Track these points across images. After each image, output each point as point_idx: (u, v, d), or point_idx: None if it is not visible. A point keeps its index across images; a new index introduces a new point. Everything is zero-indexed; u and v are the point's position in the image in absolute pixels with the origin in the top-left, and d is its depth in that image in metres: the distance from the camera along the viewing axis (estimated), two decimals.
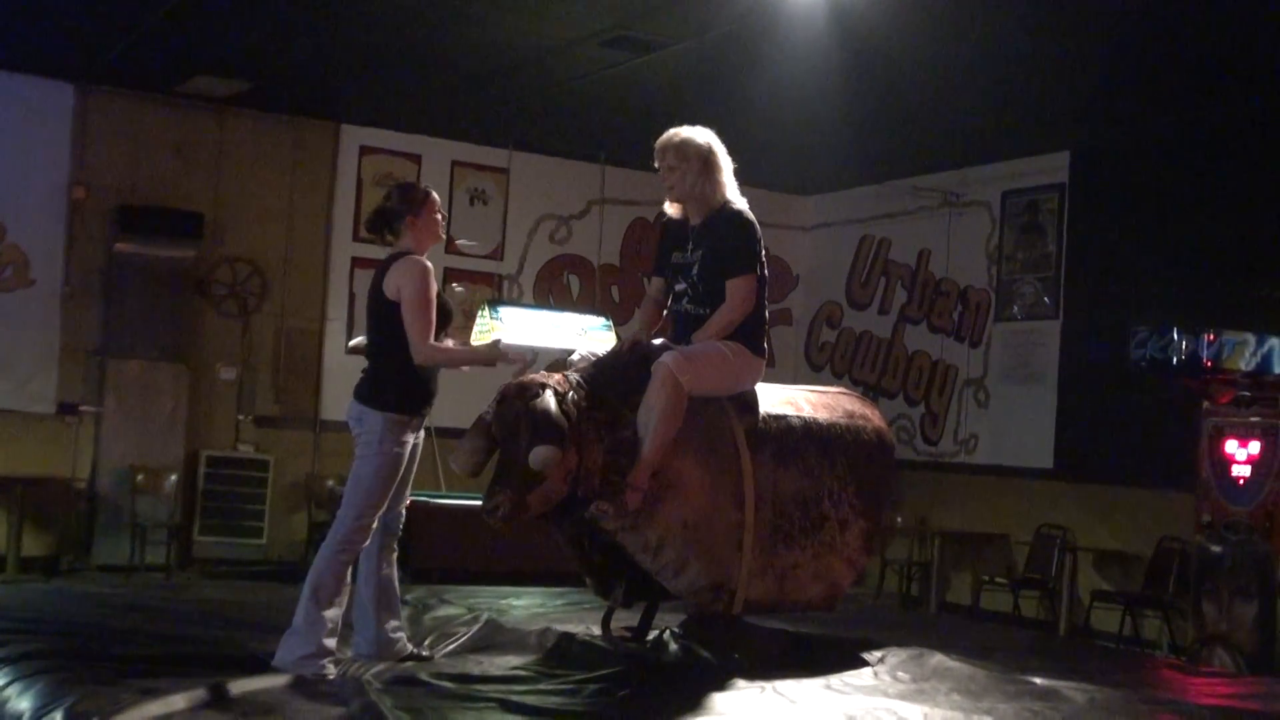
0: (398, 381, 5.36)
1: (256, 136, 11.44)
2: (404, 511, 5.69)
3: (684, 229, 5.83)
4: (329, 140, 11.67)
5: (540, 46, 9.07)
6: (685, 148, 5.69)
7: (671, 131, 5.79)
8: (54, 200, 10.71)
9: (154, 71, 10.40)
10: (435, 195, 5.64)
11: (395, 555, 5.71)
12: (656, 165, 5.80)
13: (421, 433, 5.53)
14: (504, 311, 9.70)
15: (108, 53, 9.85)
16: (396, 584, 5.69)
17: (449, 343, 5.71)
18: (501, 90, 10.23)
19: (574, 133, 11.60)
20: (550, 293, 12.49)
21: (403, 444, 5.33)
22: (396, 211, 5.51)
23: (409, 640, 5.69)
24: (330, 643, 5.21)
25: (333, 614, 5.23)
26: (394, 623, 5.61)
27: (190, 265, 11.00)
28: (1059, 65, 8.83)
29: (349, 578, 5.39)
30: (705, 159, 5.68)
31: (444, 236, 5.82)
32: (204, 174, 11.23)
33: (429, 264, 5.42)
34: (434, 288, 5.39)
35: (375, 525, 5.42)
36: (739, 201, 5.75)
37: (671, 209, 5.92)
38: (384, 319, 5.39)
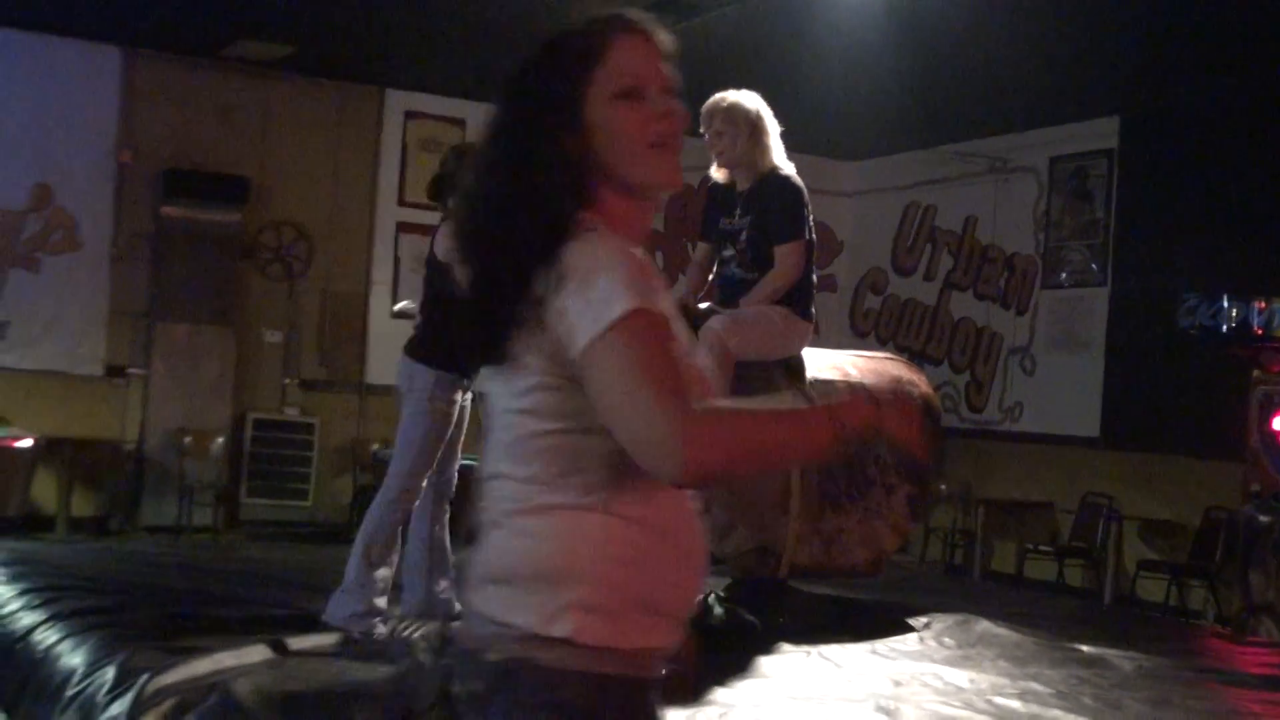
0: (444, 341, 5.37)
1: (301, 101, 11.45)
2: (455, 476, 5.71)
3: (730, 194, 5.81)
4: (373, 105, 11.67)
5: (585, 10, 9.01)
6: (734, 112, 5.66)
7: (719, 96, 5.75)
8: (101, 164, 10.76)
9: (199, 35, 10.41)
10: None
11: (447, 517, 5.73)
12: (703, 130, 5.77)
13: (469, 395, 5.54)
14: None
15: (154, 16, 9.87)
16: (448, 545, 5.71)
17: None
18: None
19: None
20: None
21: (451, 402, 5.35)
22: (456, 175, 5.52)
23: (458, 601, 5.72)
24: (381, 602, 5.24)
25: (383, 574, 5.26)
26: (444, 583, 5.64)
27: (236, 229, 11.03)
28: (1109, 28, 8.73)
29: (399, 538, 5.42)
30: (754, 124, 5.65)
31: None
32: (249, 138, 11.25)
33: None
34: None
35: (425, 487, 5.44)
36: (787, 167, 5.73)
37: (717, 174, 5.90)
38: (435, 279, 5.40)
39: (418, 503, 5.50)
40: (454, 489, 5.73)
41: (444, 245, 5.36)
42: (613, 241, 2.06)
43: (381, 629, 5.17)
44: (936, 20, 8.63)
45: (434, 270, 5.43)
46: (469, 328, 2.12)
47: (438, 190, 5.61)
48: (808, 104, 10.32)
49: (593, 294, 1.96)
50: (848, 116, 11.41)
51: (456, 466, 5.71)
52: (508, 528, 2.04)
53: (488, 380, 2.12)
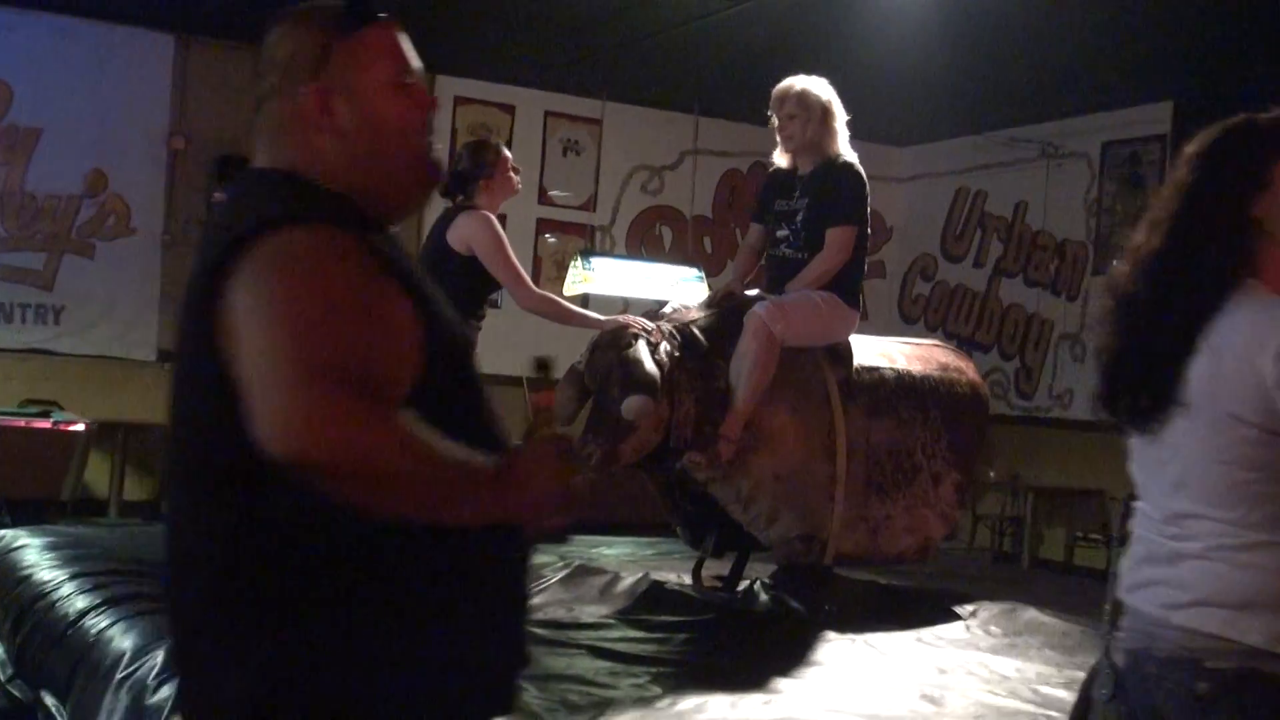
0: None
1: None
2: None
3: (791, 178, 5.82)
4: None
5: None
6: (806, 97, 5.68)
7: (790, 80, 5.78)
8: (154, 150, 10.85)
9: (253, 21, 10.41)
10: (506, 151, 5.62)
11: None
12: (772, 114, 5.78)
13: None
14: (596, 262, 9.71)
15: (208, 3, 9.94)
16: None
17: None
18: (595, 40, 10.20)
19: (668, 83, 11.54)
20: (642, 244, 12.47)
21: None
22: (470, 174, 5.50)
23: None
24: None
25: None
26: None
27: None
28: (1162, 10, 8.64)
29: None
30: (825, 109, 5.68)
31: (519, 188, 5.79)
32: None
33: (490, 214, 5.41)
34: (503, 234, 5.39)
35: None
36: (851, 155, 5.74)
37: (782, 159, 5.90)
38: (445, 269, 5.37)
39: None
40: None
41: (461, 238, 5.33)
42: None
43: None
44: (988, 3, 8.57)
45: (445, 258, 5.38)
46: (1126, 380, 2.52)
47: (454, 186, 5.58)
48: (859, 88, 10.22)
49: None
50: (899, 101, 11.35)
51: None
52: (1219, 560, 2.33)
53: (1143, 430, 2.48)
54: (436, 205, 5.73)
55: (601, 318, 5.52)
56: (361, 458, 1.69)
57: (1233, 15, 8.64)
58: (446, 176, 5.70)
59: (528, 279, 5.44)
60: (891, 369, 5.98)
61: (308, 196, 1.92)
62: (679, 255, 12.21)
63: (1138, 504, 2.62)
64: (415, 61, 2.10)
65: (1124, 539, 2.61)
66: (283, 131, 2.03)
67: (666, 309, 5.79)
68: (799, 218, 5.70)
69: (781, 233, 5.77)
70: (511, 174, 5.57)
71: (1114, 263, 2.57)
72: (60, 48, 10.51)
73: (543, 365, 2.27)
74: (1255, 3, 8.36)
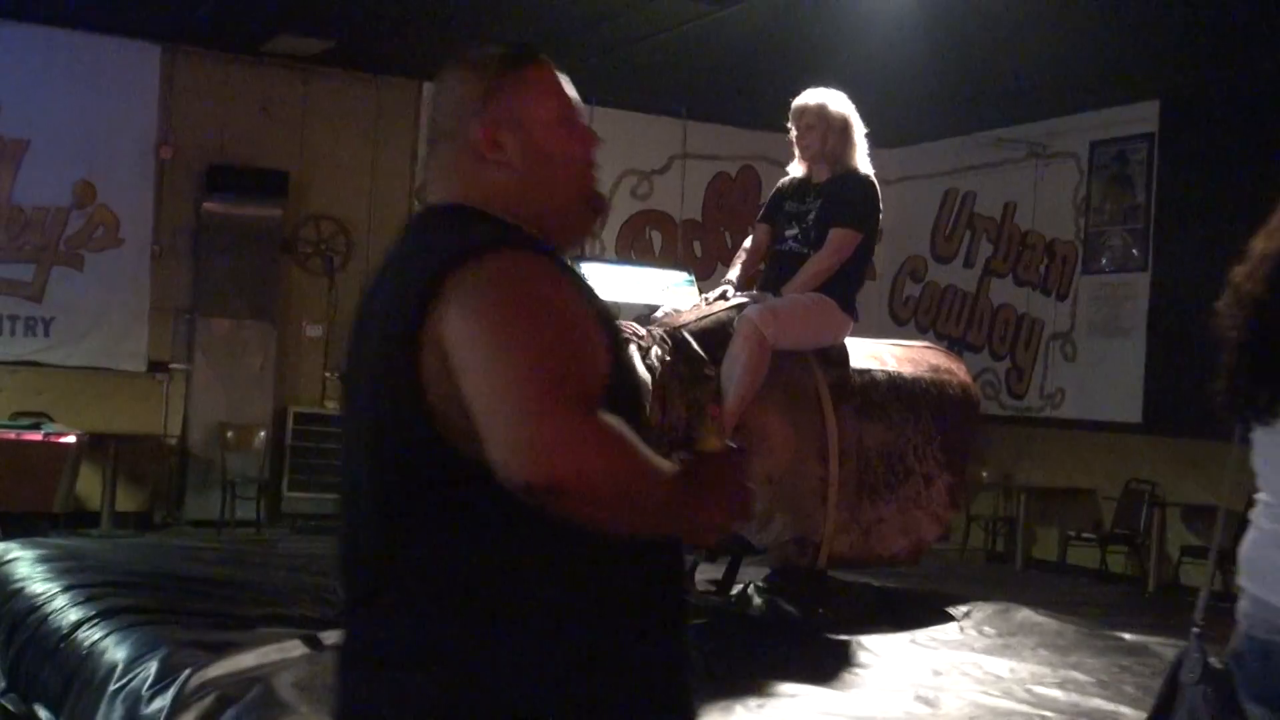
0: None
1: (340, 95, 11.50)
2: None
3: (804, 185, 5.84)
4: (412, 98, 11.70)
5: (622, 0, 9.03)
6: (826, 110, 5.73)
7: (811, 91, 5.83)
8: (142, 161, 10.84)
9: (238, 31, 10.47)
10: None
11: None
12: (792, 124, 5.81)
13: None
14: (586, 268, 9.71)
15: (193, 13, 9.93)
16: None
17: None
18: (583, 45, 10.21)
19: (656, 87, 11.55)
20: (632, 248, 12.47)
21: None
22: None
23: None
24: None
25: None
26: None
27: (277, 224, 11.10)
28: (1147, 9, 8.66)
29: None
30: (846, 122, 5.73)
31: None
32: (289, 133, 11.31)
33: None
34: None
35: None
36: (868, 169, 5.78)
37: (798, 168, 5.91)
38: None
39: None
40: None
41: None
42: None
43: None
44: (974, 4, 8.59)
45: None
46: (1248, 375, 2.60)
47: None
48: (847, 91, 10.23)
49: None
50: (886, 103, 11.32)
51: None
52: None
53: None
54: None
55: None
56: (608, 477, 1.73)
57: (1215, 14, 8.66)
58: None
59: None
60: (882, 371, 5.98)
61: (498, 226, 1.97)
62: (669, 259, 12.21)
63: (1259, 495, 2.66)
64: (577, 98, 2.15)
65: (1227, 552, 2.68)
66: (456, 169, 2.07)
67: (657, 314, 5.79)
68: (810, 217, 5.73)
69: (790, 231, 5.79)
70: None
71: (1235, 266, 2.67)
72: (47, 59, 10.51)
73: (708, 376, 2.35)
74: (1238, 2, 8.38)
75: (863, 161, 5.76)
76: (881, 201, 5.77)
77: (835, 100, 5.75)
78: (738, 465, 1.92)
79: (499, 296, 1.80)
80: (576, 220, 2.12)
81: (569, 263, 1.99)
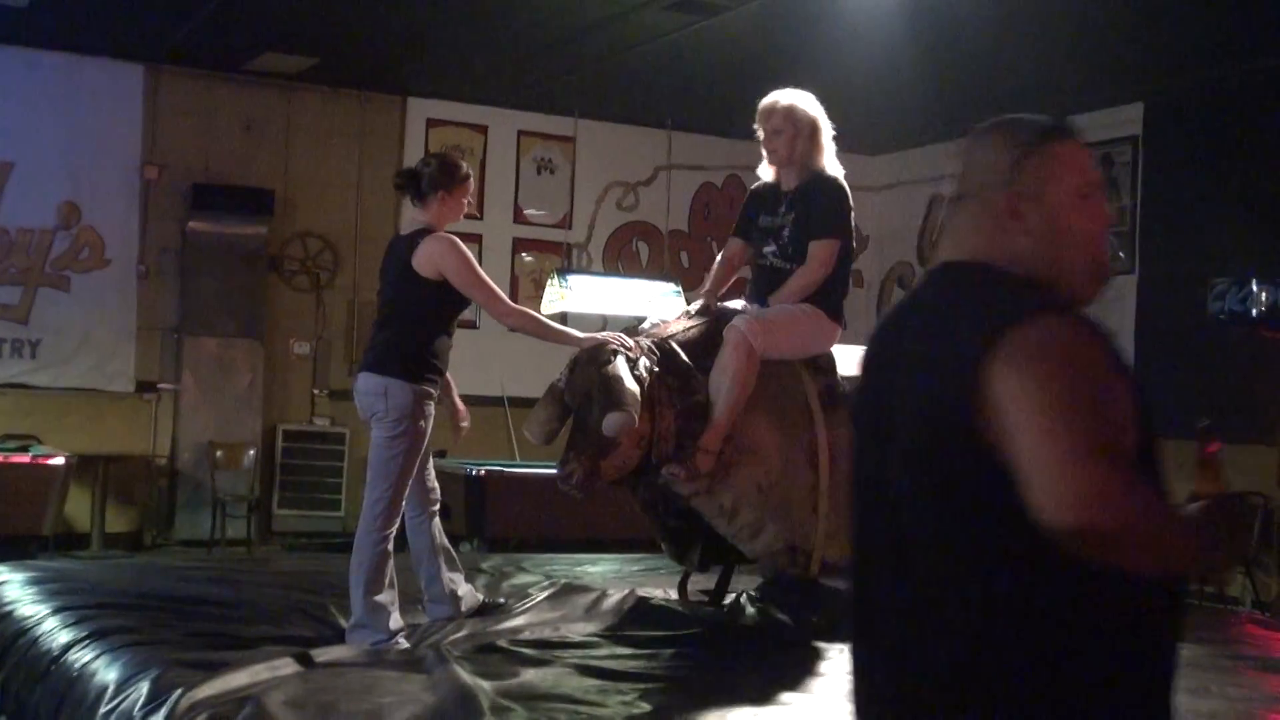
0: (422, 355, 5.32)
1: (324, 112, 11.51)
2: (435, 483, 5.72)
3: (775, 192, 5.80)
4: (396, 114, 11.71)
5: (604, 12, 9.04)
6: (795, 112, 5.66)
7: (777, 94, 5.75)
8: (127, 181, 10.84)
9: (222, 50, 10.47)
10: (471, 180, 5.60)
11: (438, 521, 5.73)
12: (759, 127, 5.75)
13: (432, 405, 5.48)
14: (573, 280, 9.71)
15: (176, 33, 9.93)
16: (449, 546, 5.74)
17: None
18: (566, 58, 10.22)
19: (640, 99, 11.56)
20: (619, 260, 12.48)
21: (428, 417, 5.29)
22: (433, 180, 5.45)
23: (477, 592, 5.80)
24: (395, 623, 5.22)
25: (388, 596, 5.23)
26: (458, 576, 5.68)
27: (263, 242, 11.09)
28: (1131, 12, 8.69)
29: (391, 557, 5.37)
30: (814, 125, 5.67)
31: (461, 217, 5.75)
32: (274, 151, 11.31)
33: (453, 236, 5.38)
34: (471, 254, 5.36)
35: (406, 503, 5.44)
36: (837, 170, 5.73)
37: (766, 172, 5.88)
38: (413, 294, 5.33)
39: (410, 519, 5.52)
40: (437, 495, 5.72)
41: (429, 263, 5.26)
42: None
43: (405, 642, 5.16)
44: (957, 10, 8.60)
45: (409, 281, 5.34)
46: None
47: (409, 183, 5.50)
48: (830, 99, 10.19)
49: None
50: (870, 111, 11.38)
51: (433, 473, 5.71)
52: None
53: None
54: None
55: (581, 335, 5.49)
56: (1137, 523, 1.90)
57: (1197, 16, 8.68)
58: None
59: (503, 295, 5.42)
60: None
61: (1035, 289, 2.13)
62: (656, 270, 12.22)
63: None
64: (1096, 175, 2.31)
65: None
66: (979, 229, 2.22)
67: (645, 324, 5.78)
68: (786, 233, 5.69)
69: (768, 248, 5.76)
70: (466, 201, 5.54)
71: None
72: (30, 81, 10.50)
73: (1208, 430, 2.48)
74: (1221, 4, 8.41)
75: (830, 163, 5.72)
76: (851, 199, 5.72)
77: (803, 101, 5.70)
78: (1237, 508, 2.10)
79: (1046, 357, 1.96)
80: (1085, 286, 2.23)
81: (1098, 324, 2.11)
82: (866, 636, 2.21)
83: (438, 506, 5.73)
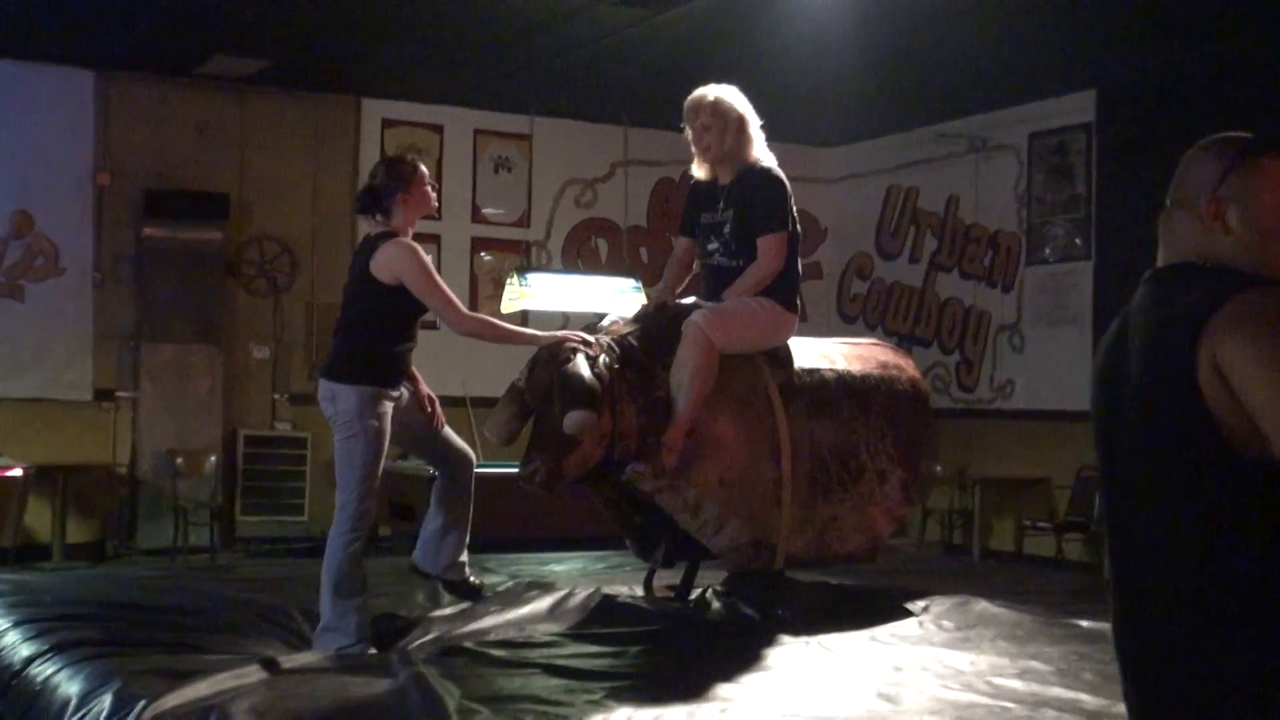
0: (372, 358, 5.30)
1: (278, 114, 11.44)
2: (459, 447, 5.69)
3: (713, 189, 5.81)
4: (350, 115, 11.66)
5: (557, 9, 9.02)
6: (721, 106, 5.66)
7: (701, 91, 5.76)
8: (80, 188, 10.75)
9: (172, 53, 10.39)
10: (423, 167, 5.55)
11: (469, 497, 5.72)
12: (687, 126, 5.76)
13: (405, 391, 5.47)
14: (533, 278, 9.68)
15: (125, 37, 9.85)
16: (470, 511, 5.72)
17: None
18: (520, 56, 10.19)
19: (595, 95, 11.55)
20: (579, 257, 12.47)
21: (380, 416, 5.27)
22: (386, 189, 5.41)
23: (467, 569, 5.78)
24: (364, 628, 5.20)
25: (358, 601, 5.22)
26: (463, 545, 5.69)
27: (219, 246, 11.02)
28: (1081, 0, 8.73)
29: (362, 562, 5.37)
30: (741, 118, 5.67)
31: (435, 206, 5.74)
32: (228, 154, 11.24)
33: (413, 243, 5.37)
34: (429, 260, 5.35)
35: (438, 473, 5.50)
36: (769, 159, 5.73)
37: (699, 170, 5.88)
38: (369, 298, 5.31)
39: (435, 490, 5.57)
40: (466, 457, 5.71)
41: (386, 269, 5.25)
42: None
43: (373, 650, 5.14)
44: (907, 2, 8.62)
45: (367, 285, 5.32)
46: None
47: (368, 203, 5.49)
48: (784, 92, 10.31)
49: None
50: (825, 102, 11.41)
51: (461, 445, 5.70)
52: None
53: None
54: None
55: (539, 334, 5.48)
56: None
57: (1152, 3, 8.72)
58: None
59: (459, 303, 5.39)
60: (831, 370, 5.99)
61: (1237, 274, 2.33)
62: (616, 266, 12.21)
63: None
64: None
65: None
66: (1188, 234, 2.48)
67: (604, 321, 5.78)
68: (726, 229, 5.70)
69: (711, 245, 5.78)
70: (428, 189, 5.51)
71: None
72: None
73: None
74: None
75: (762, 152, 5.72)
76: (789, 186, 5.73)
77: (729, 96, 5.70)
78: None
79: (1263, 321, 2.17)
80: None
81: None
82: (1132, 637, 2.38)
83: (471, 468, 5.69)
